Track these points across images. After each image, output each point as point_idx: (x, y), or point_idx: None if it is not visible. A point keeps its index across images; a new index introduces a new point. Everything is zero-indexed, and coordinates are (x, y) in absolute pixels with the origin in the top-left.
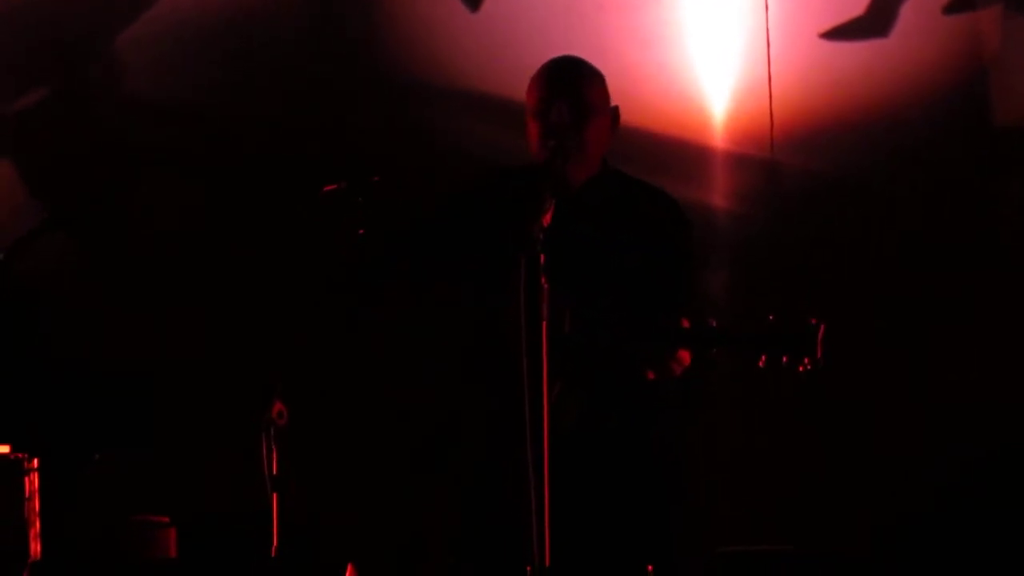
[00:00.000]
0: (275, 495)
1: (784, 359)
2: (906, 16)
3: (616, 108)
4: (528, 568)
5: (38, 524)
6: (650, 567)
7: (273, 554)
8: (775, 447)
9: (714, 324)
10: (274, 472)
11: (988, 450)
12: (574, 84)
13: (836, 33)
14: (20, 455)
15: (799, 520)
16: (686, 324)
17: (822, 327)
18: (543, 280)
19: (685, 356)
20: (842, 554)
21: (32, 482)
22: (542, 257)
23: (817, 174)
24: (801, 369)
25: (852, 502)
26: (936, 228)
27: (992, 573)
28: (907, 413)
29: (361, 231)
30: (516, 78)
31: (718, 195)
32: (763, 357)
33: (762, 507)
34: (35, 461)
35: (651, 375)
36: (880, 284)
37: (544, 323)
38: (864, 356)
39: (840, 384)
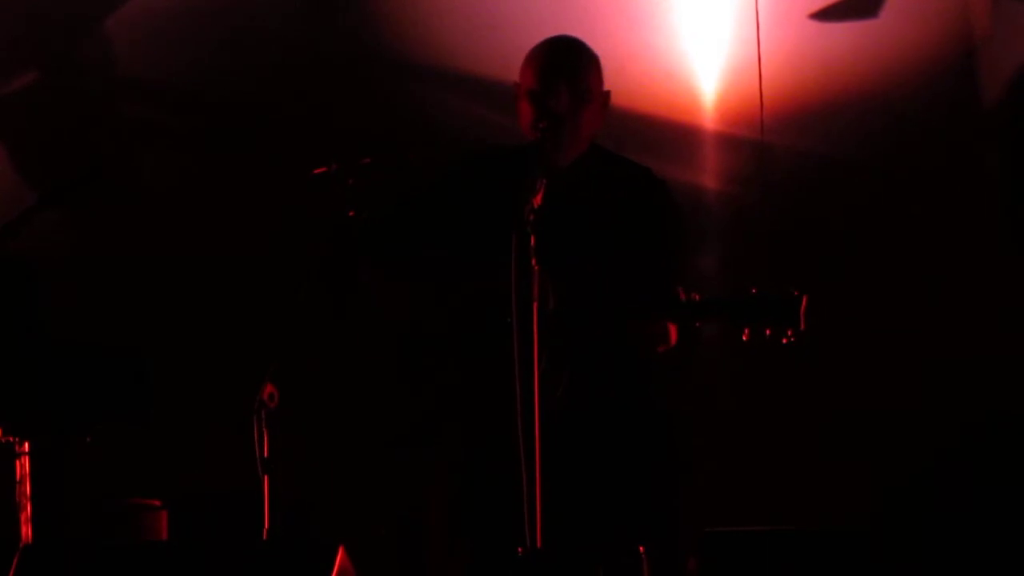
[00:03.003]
0: (266, 477)
1: (767, 331)
2: None
3: (607, 92)
4: (520, 549)
5: (29, 508)
6: (641, 548)
7: (265, 536)
8: (770, 428)
9: (697, 298)
10: (265, 455)
11: (985, 430)
12: (573, 69)
13: (826, 14)
14: (11, 438)
15: (795, 502)
16: (683, 295)
17: (804, 298)
18: (533, 261)
19: (672, 332)
20: (839, 533)
21: (23, 465)
22: (532, 238)
23: (807, 154)
24: (784, 341)
25: (849, 484)
26: (925, 207)
27: (991, 555)
28: (902, 392)
29: (351, 213)
30: (506, 58)
31: (708, 176)
32: (746, 330)
33: (758, 490)
34: (26, 444)
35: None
36: (870, 263)
37: (535, 304)
38: (855, 336)
39: (833, 363)
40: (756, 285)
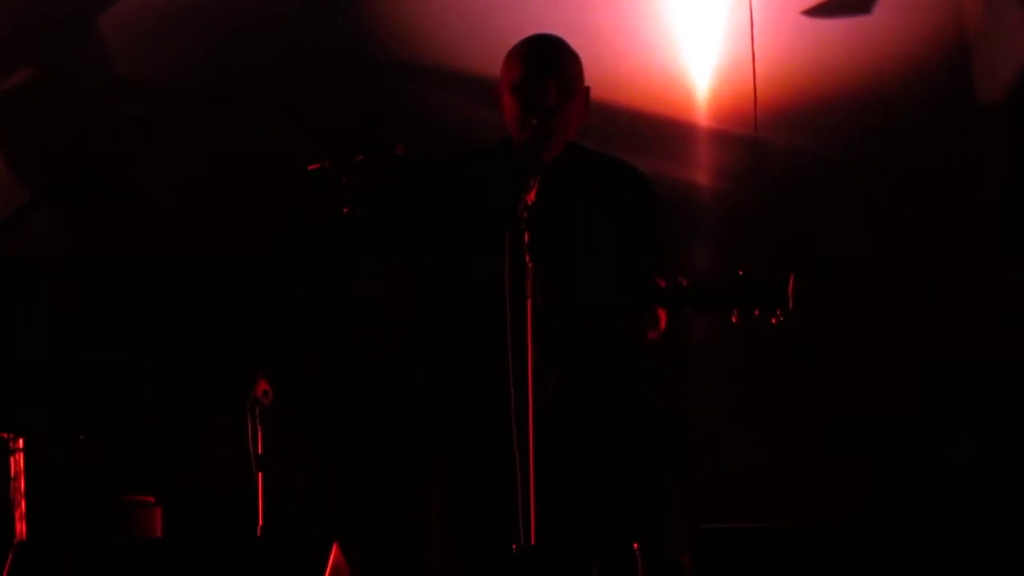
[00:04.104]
0: (260, 475)
1: (756, 312)
2: None
3: (588, 88)
4: (514, 546)
5: (23, 505)
6: (635, 544)
7: (259, 533)
8: (767, 427)
9: (685, 283)
10: (259, 452)
11: (983, 430)
12: (559, 63)
13: (819, 10)
14: (5, 435)
15: (792, 501)
16: (661, 283)
17: (792, 276)
18: (527, 258)
19: (661, 317)
20: (833, 532)
21: (18, 462)
22: (526, 235)
23: (801, 150)
24: (774, 321)
25: (845, 483)
26: (921, 205)
27: (989, 555)
28: (899, 391)
29: (345, 210)
30: (495, 54)
31: (702, 172)
32: (735, 312)
33: (754, 488)
34: (20, 441)
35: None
36: (865, 261)
37: (529, 301)
38: (851, 335)
39: (829, 361)
40: (743, 268)
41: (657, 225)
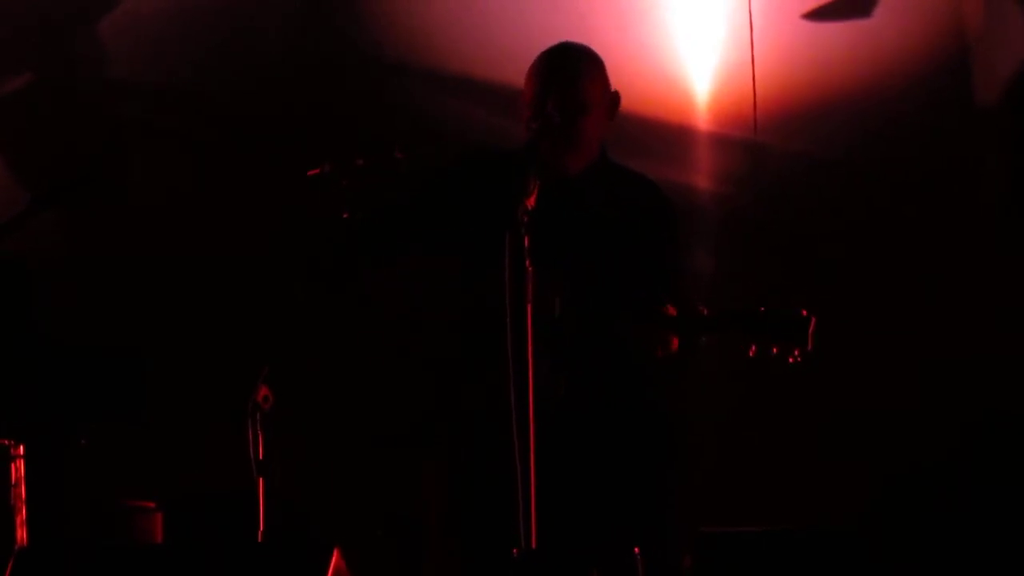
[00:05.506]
0: (260, 480)
1: (774, 350)
2: None
3: (616, 93)
4: (515, 551)
5: (24, 511)
6: (636, 549)
7: (259, 539)
8: (767, 428)
9: (705, 312)
10: (260, 457)
11: (983, 430)
12: (567, 81)
13: (819, 13)
14: (6, 441)
15: (792, 502)
16: (672, 311)
17: (813, 319)
18: (527, 263)
19: (672, 341)
20: (833, 533)
21: (18, 469)
22: (527, 239)
23: (800, 154)
24: (791, 361)
25: (846, 484)
26: (918, 207)
27: (989, 555)
28: (899, 392)
29: (345, 214)
30: (501, 60)
31: (701, 176)
32: (753, 347)
33: (754, 490)
34: (21, 448)
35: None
36: (865, 263)
37: (529, 305)
38: (852, 336)
39: (830, 363)
40: (758, 295)
41: (676, 250)
